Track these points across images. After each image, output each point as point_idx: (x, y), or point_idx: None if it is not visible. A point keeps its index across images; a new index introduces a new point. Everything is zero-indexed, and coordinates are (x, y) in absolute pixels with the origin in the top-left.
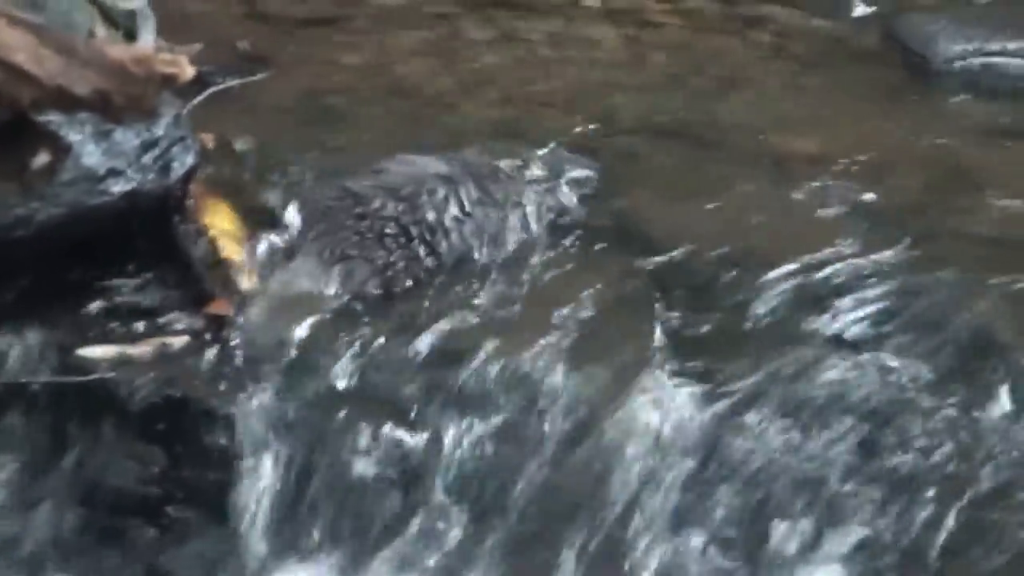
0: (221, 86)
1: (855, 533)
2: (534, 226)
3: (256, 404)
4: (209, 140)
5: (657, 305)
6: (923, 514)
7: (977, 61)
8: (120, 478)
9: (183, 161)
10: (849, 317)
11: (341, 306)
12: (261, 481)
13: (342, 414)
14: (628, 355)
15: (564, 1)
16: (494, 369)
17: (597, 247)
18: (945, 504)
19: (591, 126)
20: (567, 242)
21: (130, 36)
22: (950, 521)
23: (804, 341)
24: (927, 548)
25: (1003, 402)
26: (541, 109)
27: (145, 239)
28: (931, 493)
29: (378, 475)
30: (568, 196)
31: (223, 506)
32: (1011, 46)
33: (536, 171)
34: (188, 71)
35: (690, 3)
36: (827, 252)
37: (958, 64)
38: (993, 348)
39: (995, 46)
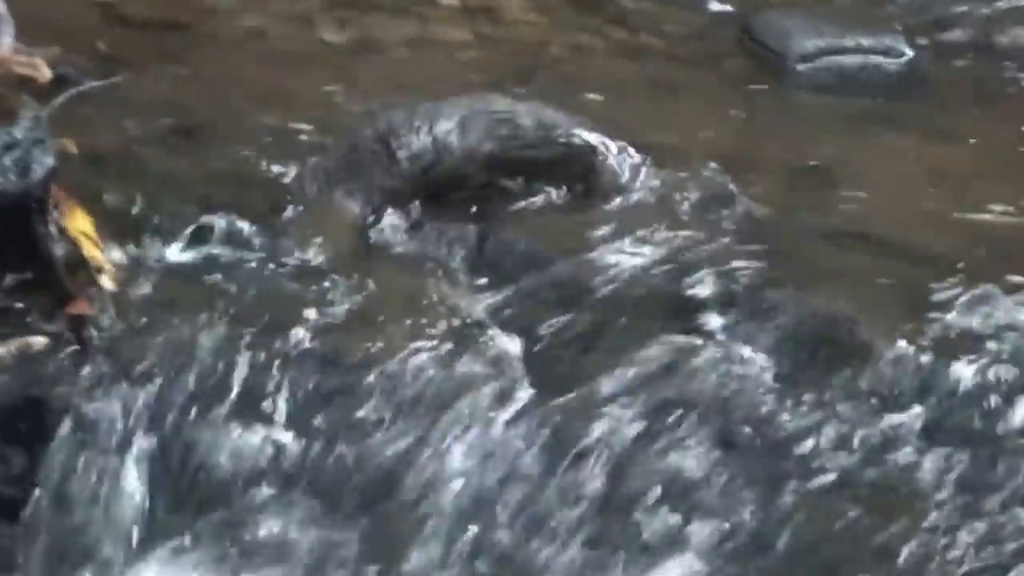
0: (80, 88)
1: (713, 524)
2: None
3: (118, 402)
4: (69, 143)
5: (503, 297)
6: (779, 505)
7: (832, 58)
8: None
9: (43, 163)
10: (703, 310)
11: (204, 304)
12: (123, 480)
13: (207, 411)
14: (473, 347)
15: (422, 2)
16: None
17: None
18: (800, 495)
19: None
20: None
21: None
22: (805, 512)
23: (658, 335)
24: (783, 538)
25: (856, 393)
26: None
27: (5, 241)
28: (787, 484)
29: (243, 472)
30: None
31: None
32: (865, 42)
33: None
34: (46, 73)
35: (549, 1)
36: (683, 246)
37: (813, 61)
38: (847, 340)
39: (849, 43)
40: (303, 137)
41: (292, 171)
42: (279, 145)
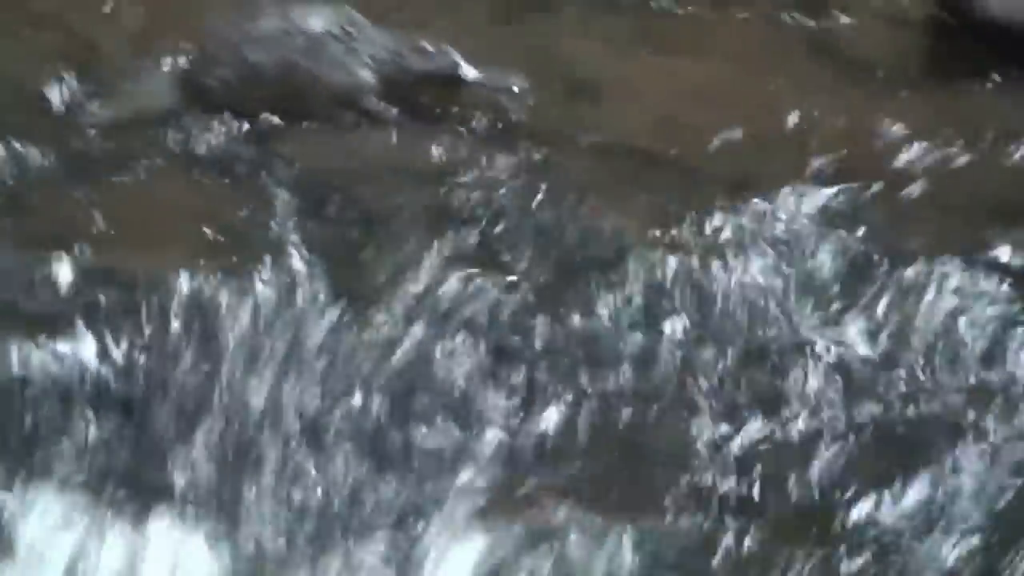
0: None
1: (491, 440)
2: None
3: None
4: None
5: (288, 213)
6: (556, 419)
7: None
8: None
9: None
10: (466, 229)
11: None
12: None
13: None
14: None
15: None
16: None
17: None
18: (575, 409)
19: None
20: None
21: None
22: (582, 425)
23: (430, 256)
24: (562, 451)
25: (629, 307)
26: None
27: None
28: (562, 399)
29: (33, 392)
30: None
31: None
32: None
33: None
34: None
35: None
36: (457, 165)
37: None
38: (614, 252)
39: None
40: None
41: (83, 84)
42: (63, 61)
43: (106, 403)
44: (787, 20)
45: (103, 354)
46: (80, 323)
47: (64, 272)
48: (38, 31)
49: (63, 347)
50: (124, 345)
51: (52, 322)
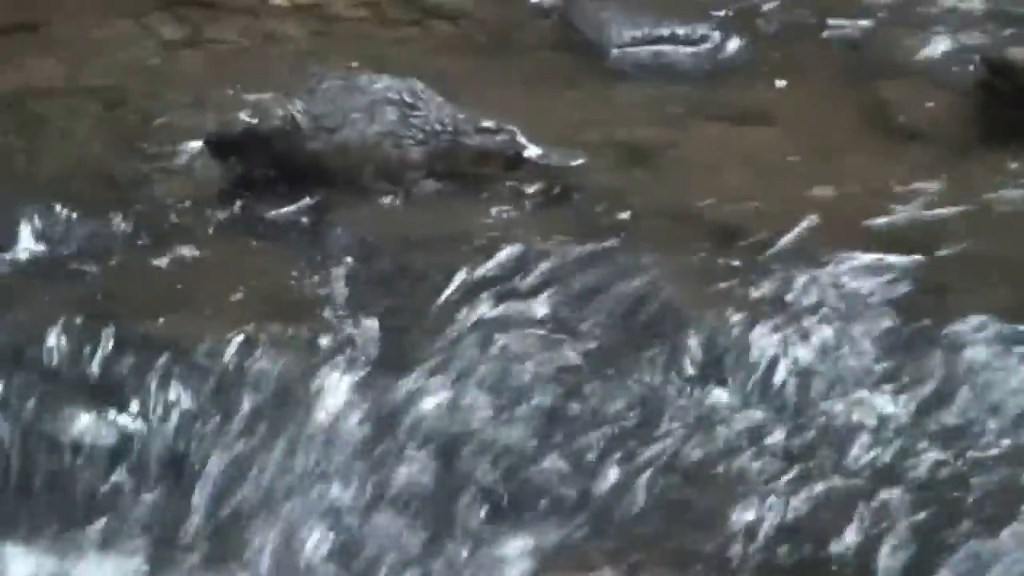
0: None
1: (545, 501)
2: None
3: None
4: None
5: (338, 282)
6: (609, 481)
7: (648, 47)
8: None
9: None
10: (522, 295)
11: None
12: None
13: (48, 401)
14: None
15: (253, 1)
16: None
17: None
18: (628, 471)
19: None
20: None
21: None
22: (634, 487)
23: (493, 319)
24: (614, 514)
25: (685, 370)
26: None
27: None
28: (616, 461)
29: (89, 457)
30: None
31: None
32: (680, 32)
33: None
34: None
35: None
36: (516, 231)
37: (630, 50)
38: (671, 317)
39: (664, 31)
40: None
41: (136, 157)
42: (118, 133)
43: (159, 468)
44: (841, 90)
45: (159, 420)
46: (137, 390)
47: (123, 339)
48: (101, 108)
49: (120, 414)
50: (181, 412)
51: (109, 388)
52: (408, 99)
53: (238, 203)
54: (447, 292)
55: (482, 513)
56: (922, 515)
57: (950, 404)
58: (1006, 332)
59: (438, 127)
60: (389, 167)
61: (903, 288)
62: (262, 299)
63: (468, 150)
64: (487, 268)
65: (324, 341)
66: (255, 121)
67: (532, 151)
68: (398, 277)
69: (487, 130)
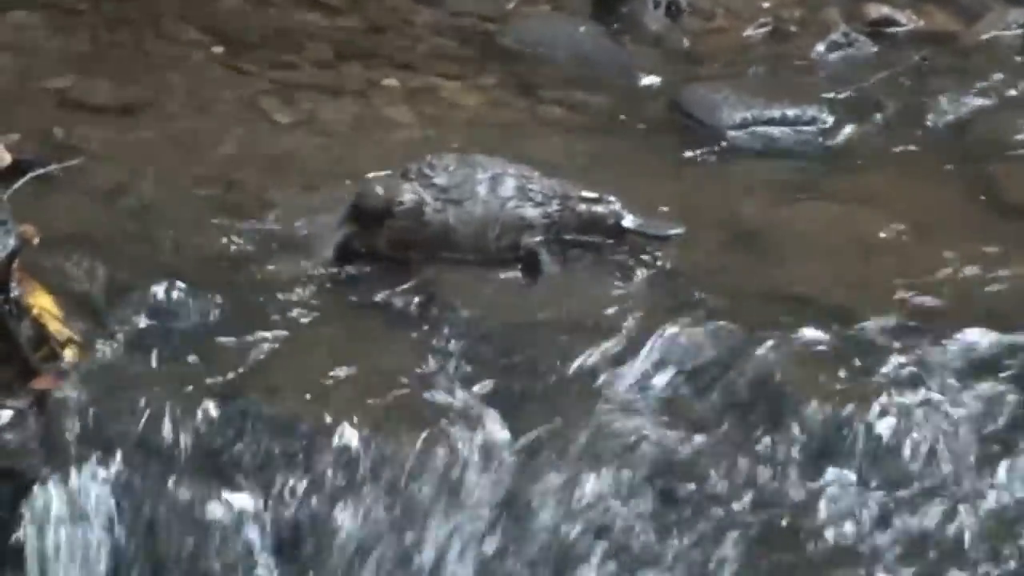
0: (38, 172)
1: None
2: None
3: (81, 473)
4: (32, 230)
5: (456, 362)
6: (718, 559)
7: (758, 128)
8: None
9: (5, 244)
10: (647, 373)
11: (166, 376)
12: (95, 548)
13: (171, 480)
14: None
15: (365, 84)
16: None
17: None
18: (743, 549)
19: None
20: None
21: None
22: (740, 563)
23: (605, 397)
24: None
25: (794, 449)
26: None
27: None
28: (729, 538)
29: (224, 539)
30: None
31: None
32: (789, 113)
33: None
34: (5, 158)
35: (484, 80)
36: (627, 310)
37: (741, 131)
38: (782, 399)
39: (774, 113)
40: (253, 210)
41: (250, 237)
42: (231, 214)
43: (273, 550)
44: (949, 169)
45: (272, 500)
46: (245, 469)
47: (230, 417)
48: (212, 189)
49: (230, 493)
50: (291, 492)
51: (218, 468)
52: (525, 173)
53: (359, 281)
54: (554, 374)
55: None
56: None
57: None
58: None
59: (551, 194)
60: (512, 228)
61: (1018, 365)
62: (370, 379)
63: (575, 216)
64: (600, 351)
65: (439, 421)
66: (382, 194)
67: (631, 221)
68: (511, 359)
69: (590, 199)
